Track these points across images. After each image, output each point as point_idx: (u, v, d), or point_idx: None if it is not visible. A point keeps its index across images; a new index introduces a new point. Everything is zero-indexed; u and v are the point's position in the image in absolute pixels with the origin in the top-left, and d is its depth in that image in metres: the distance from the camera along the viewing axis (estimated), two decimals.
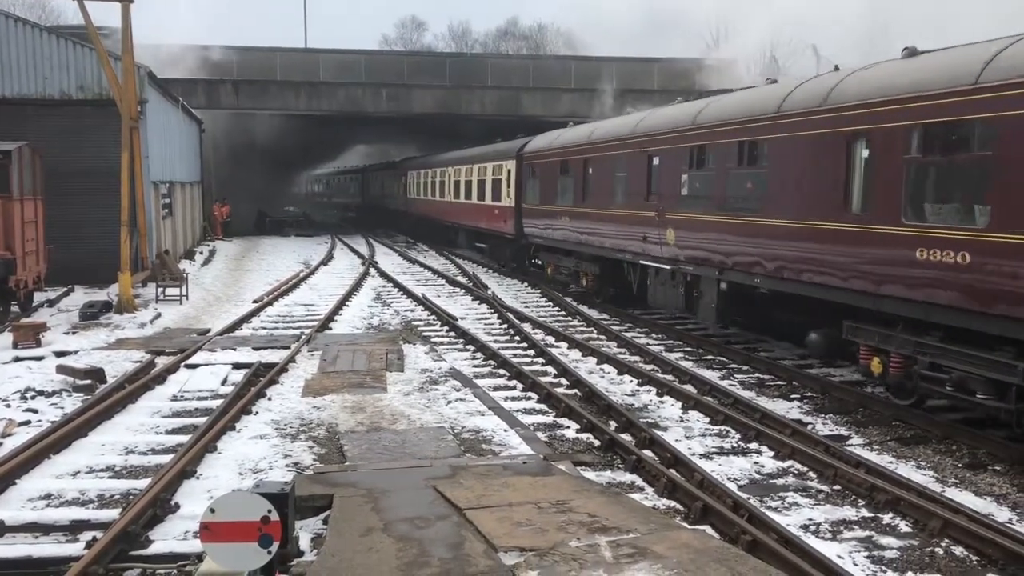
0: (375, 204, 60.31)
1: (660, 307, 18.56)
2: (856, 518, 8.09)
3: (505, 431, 10.37)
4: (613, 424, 10.93)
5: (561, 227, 22.79)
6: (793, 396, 12.70)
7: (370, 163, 69.46)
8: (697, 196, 15.78)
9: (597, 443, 10.27)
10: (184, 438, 9.97)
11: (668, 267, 16.89)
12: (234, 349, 15.22)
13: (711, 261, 15.17)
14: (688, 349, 16.22)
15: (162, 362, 14.13)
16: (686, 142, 16.05)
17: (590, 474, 9.05)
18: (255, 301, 21.84)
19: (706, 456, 9.86)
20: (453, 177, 36.19)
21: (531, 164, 25.96)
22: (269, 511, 5.20)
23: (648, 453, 9.68)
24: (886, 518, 8.06)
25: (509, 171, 27.72)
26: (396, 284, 25.79)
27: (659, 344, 16.65)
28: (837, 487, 8.85)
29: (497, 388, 12.97)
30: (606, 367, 14.50)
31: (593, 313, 20.29)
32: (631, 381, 13.53)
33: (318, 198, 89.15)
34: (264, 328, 18.31)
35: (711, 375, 13.78)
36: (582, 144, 21.64)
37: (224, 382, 13.00)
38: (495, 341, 16.67)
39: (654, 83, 44.21)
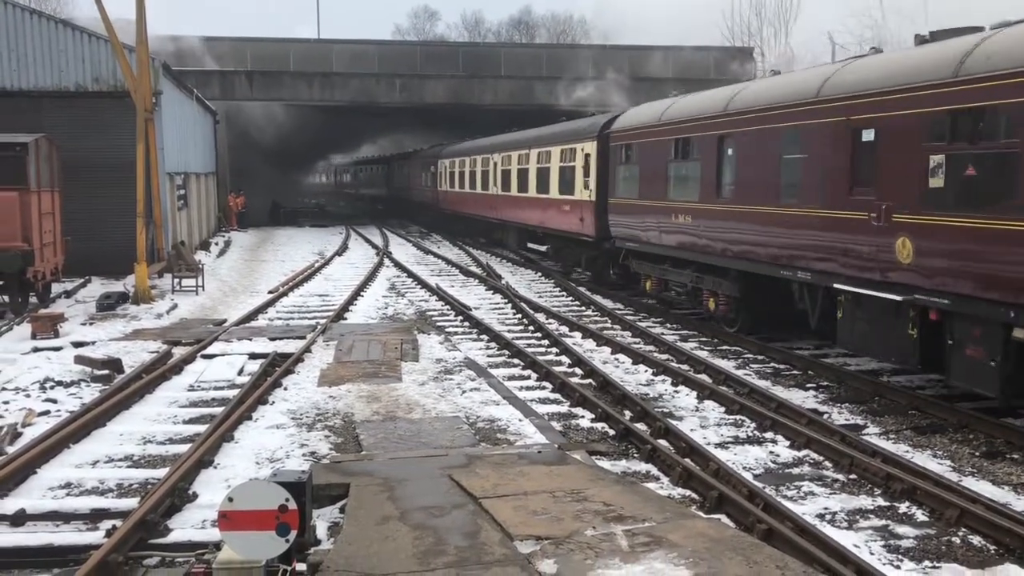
0: (400, 197, 55.40)
1: (862, 351, 12.87)
2: (872, 507, 8.07)
3: (520, 420, 10.39)
4: (628, 414, 10.93)
5: (675, 229, 16.97)
6: (809, 385, 12.66)
7: (394, 152, 64.05)
8: (967, 189, 10.09)
9: (612, 432, 10.28)
10: (201, 428, 10.03)
11: (896, 297, 11.09)
12: (250, 339, 15.30)
13: (994, 294, 9.59)
14: (703, 339, 16.17)
15: (179, 352, 14.21)
16: (938, 105, 10.36)
17: (605, 463, 9.06)
18: (270, 292, 21.93)
19: (721, 445, 9.85)
20: (500, 165, 30.44)
21: (623, 145, 19.91)
22: (287, 500, 5.25)
23: (663, 442, 9.68)
24: (902, 507, 8.04)
25: (587, 155, 21.99)
26: (410, 274, 25.84)
27: (674, 334, 16.61)
28: (853, 476, 8.83)
29: (511, 378, 12.99)
30: (620, 356, 14.49)
31: (607, 303, 20.25)
32: (646, 371, 13.52)
33: (347, 189, 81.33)
34: (280, 318, 18.39)
35: (726, 364, 13.75)
36: (715, 115, 15.63)
37: (240, 372, 13.08)
38: (509, 331, 16.68)
39: (668, 71, 44.06)
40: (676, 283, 18.07)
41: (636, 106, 22.02)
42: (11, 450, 9.11)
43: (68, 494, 8.21)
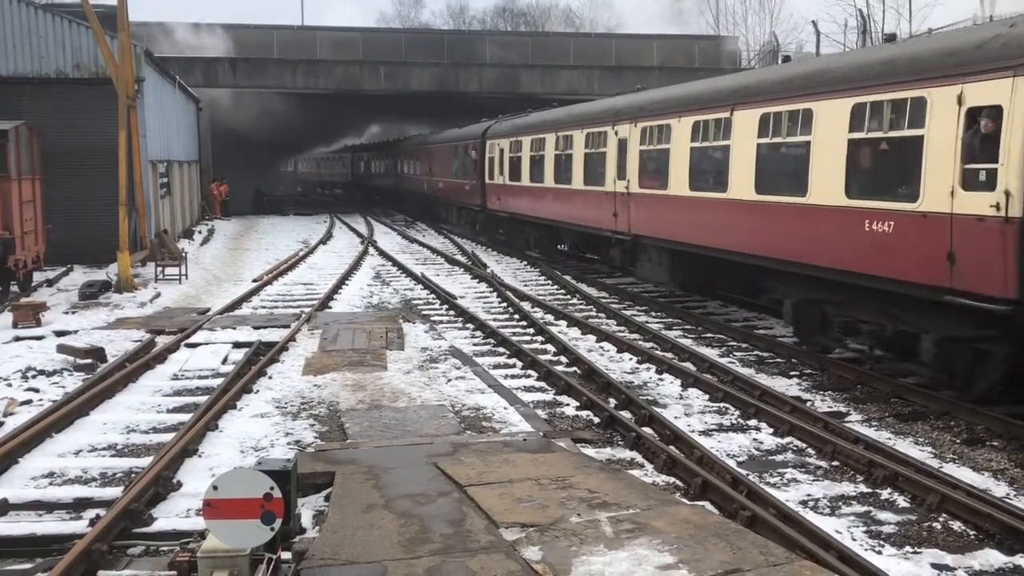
0: (410, 190, 46.29)
1: None
2: (854, 493, 8.14)
3: (505, 409, 10.41)
4: (613, 401, 10.96)
5: None
6: (792, 373, 12.73)
7: (403, 135, 53.11)
8: None
9: (597, 420, 10.31)
10: (185, 417, 10.00)
11: None
12: (234, 328, 15.23)
13: None
14: (688, 327, 16.22)
15: (162, 341, 14.15)
16: None
17: (590, 451, 9.08)
18: (254, 280, 21.83)
19: (705, 433, 9.89)
20: (637, 143, 18.38)
21: None
22: (271, 488, 5.23)
23: (648, 430, 9.72)
24: (884, 493, 8.11)
25: (989, 111, 9.31)
26: (395, 263, 25.78)
27: (658, 322, 16.65)
28: (836, 463, 8.89)
29: (497, 366, 13.00)
30: (605, 345, 14.52)
31: (592, 291, 20.27)
32: (631, 359, 13.55)
33: (363, 180, 65.72)
34: (264, 307, 18.32)
35: (710, 352, 13.80)
36: None
37: (224, 361, 13.03)
38: (495, 320, 16.68)
39: (653, 59, 44.07)
40: None
41: None
42: None
43: (51, 483, 8.18)
